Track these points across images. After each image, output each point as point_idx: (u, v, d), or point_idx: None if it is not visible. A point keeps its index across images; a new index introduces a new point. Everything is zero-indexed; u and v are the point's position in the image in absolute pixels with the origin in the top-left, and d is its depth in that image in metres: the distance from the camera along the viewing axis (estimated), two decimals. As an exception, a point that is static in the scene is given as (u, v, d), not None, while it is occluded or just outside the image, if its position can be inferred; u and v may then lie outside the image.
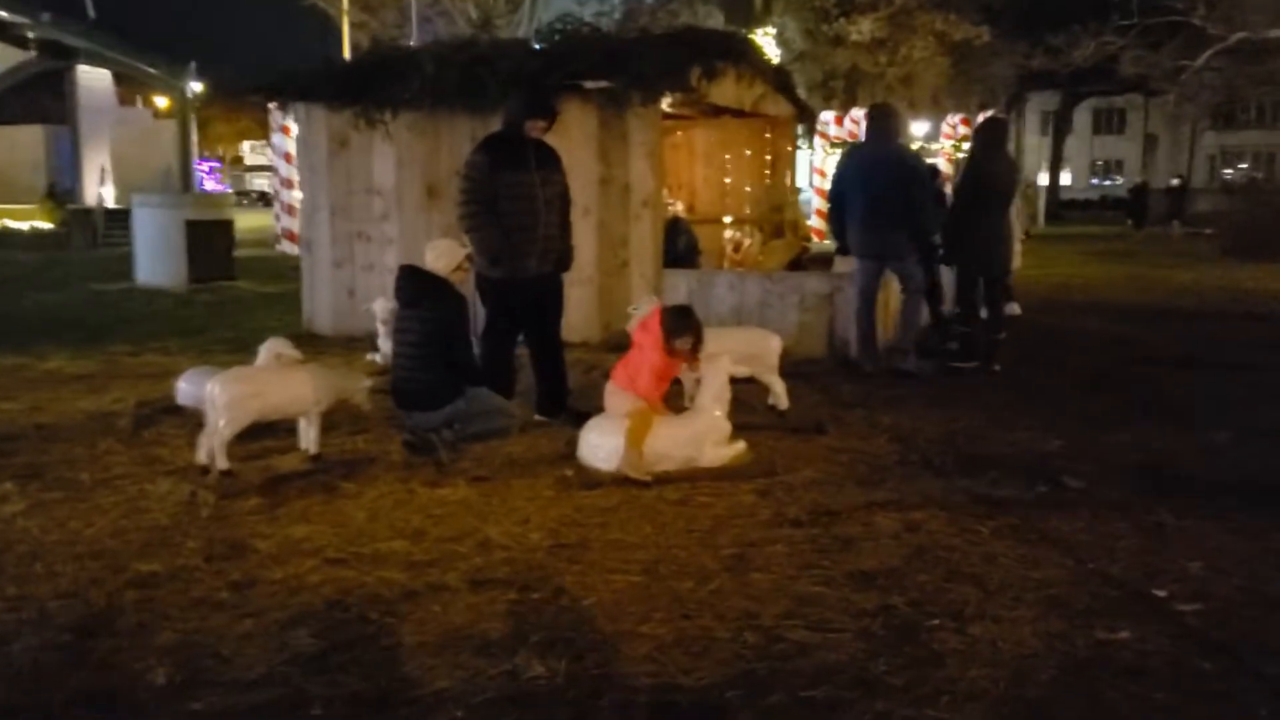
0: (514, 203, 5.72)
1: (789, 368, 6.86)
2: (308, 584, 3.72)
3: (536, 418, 6.07)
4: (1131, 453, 5.54)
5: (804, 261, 8.83)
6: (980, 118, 10.52)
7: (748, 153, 11.98)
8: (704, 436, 5.03)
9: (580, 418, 5.48)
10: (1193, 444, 5.70)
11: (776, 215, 9.26)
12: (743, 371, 5.46)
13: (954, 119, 26.91)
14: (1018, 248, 10.73)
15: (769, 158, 11.91)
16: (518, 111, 5.83)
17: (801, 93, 31.42)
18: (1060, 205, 42.13)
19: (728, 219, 10.71)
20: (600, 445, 5.00)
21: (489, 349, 5.97)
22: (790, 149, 11.86)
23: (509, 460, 5.28)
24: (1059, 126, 45.70)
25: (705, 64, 8.93)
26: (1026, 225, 25.36)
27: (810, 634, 3.24)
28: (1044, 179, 42.89)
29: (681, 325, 5.23)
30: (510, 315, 5.96)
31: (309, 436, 5.24)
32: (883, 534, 4.15)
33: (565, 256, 6.12)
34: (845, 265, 8.41)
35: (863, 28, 29.55)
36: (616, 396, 5.28)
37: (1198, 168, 46.14)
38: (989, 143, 8.17)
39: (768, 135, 11.87)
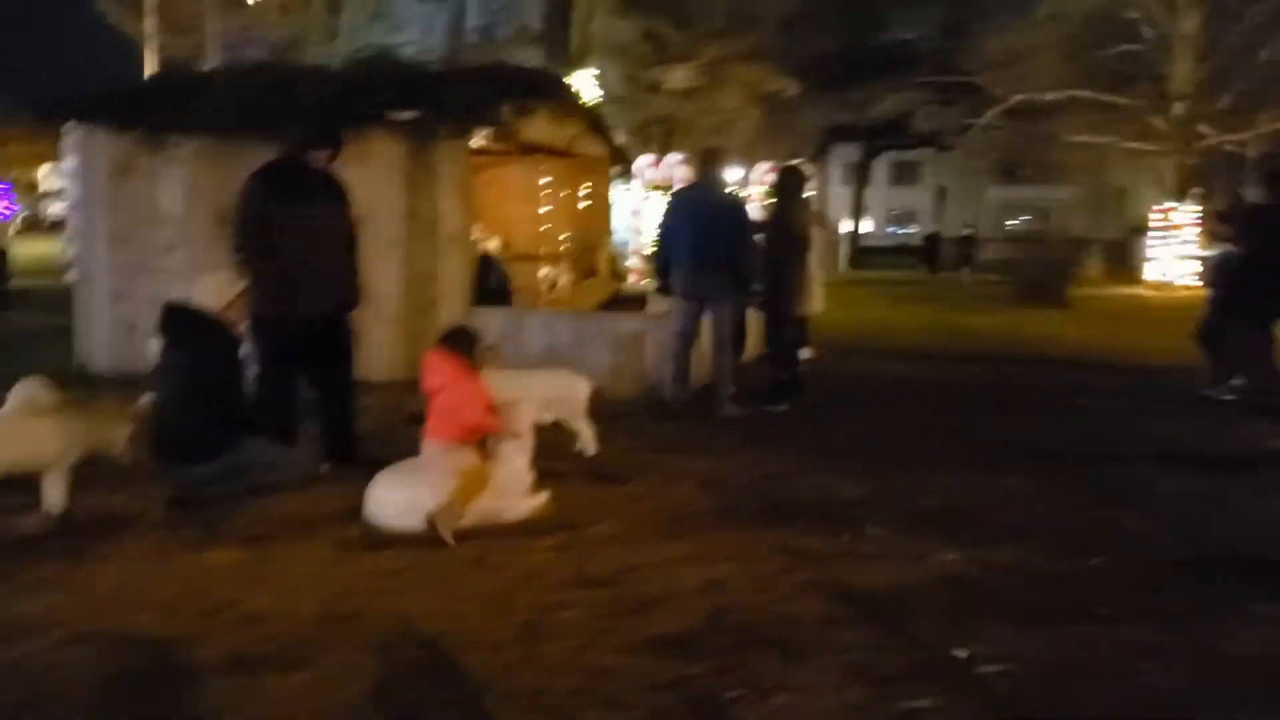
0: (294, 236, 5.30)
1: (601, 409, 6.68)
2: (33, 668, 3.23)
3: (324, 468, 5.64)
4: (933, 497, 5.58)
5: (617, 302, 8.71)
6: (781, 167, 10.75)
7: (563, 192, 11.81)
8: (505, 488, 4.74)
9: (375, 467, 5.09)
10: (992, 488, 5.80)
11: (590, 255, 9.13)
12: (547, 418, 5.21)
13: (764, 167, 27.66)
14: (818, 292, 10.94)
15: (584, 197, 11.79)
16: (301, 139, 5.43)
17: (621, 136, 31.82)
18: (862, 252, 44.01)
19: (544, 260, 10.52)
20: (390, 500, 4.63)
21: (267, 393, 5.49)
22: (605, 190, 11.78)
23: (287, 518, 4.84)
24: (860, 177, 47.91)
25: (517, 100, 8.72)
26: (828, 270, 26.44)
27: (601, 714, 2.99)
28: (847, 226, 44.79)
29: (469, 339, 5.04)
30: (289, 357, 5.51)
31: (52, 494, 4.65)
32: (684, 592, 3.96)
33: (352, 295, 5.72)
34: (659, 305, 8.33)
35: (677, 76, 30.20)
36: (445, 454, 4.80)
37: (984, 219, 49.11)
38: (791, 190, 8.28)
39: (583, 175, 11.75)
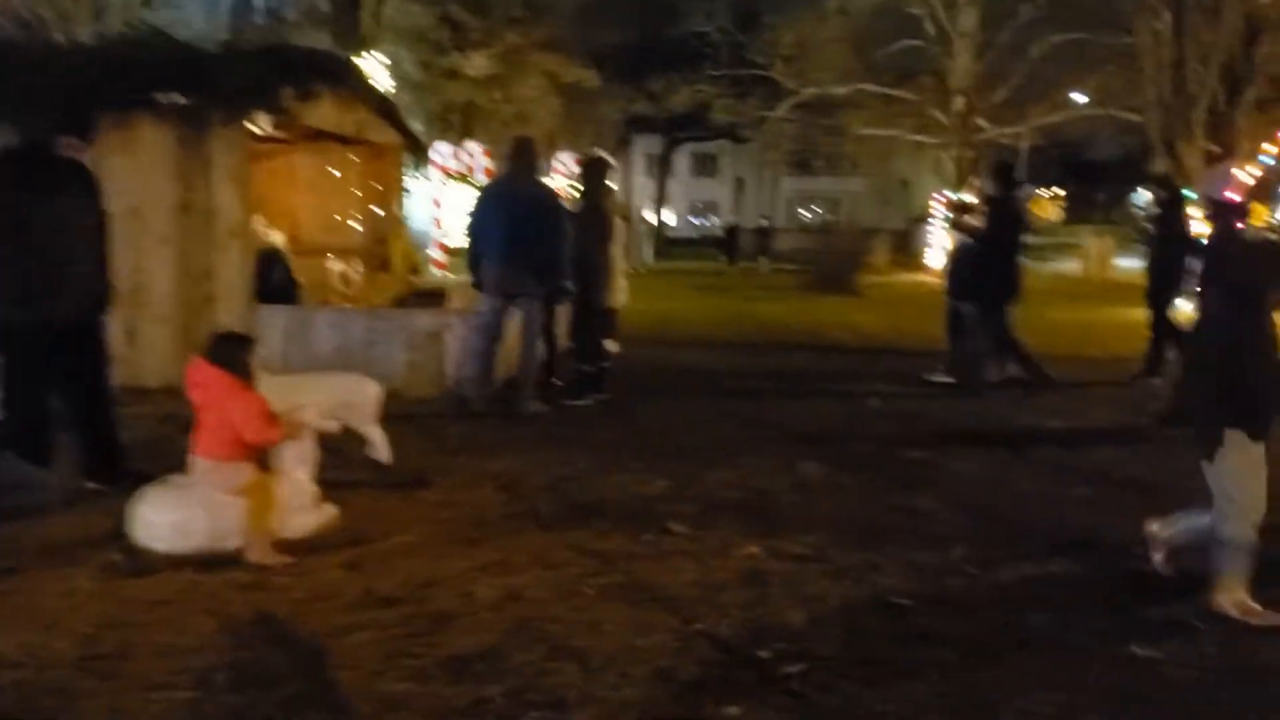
0: (40, 234, 4.77)
1: (397, 410, 6.37)
2: None
3: (88, 486, 5.13)
4: (733, 489, 5.59)
5: (412, 297, 8.38)
6: (583, 157, 10.67)
7: (354, 181, 11.29)
8: (286, 503, 4.40)
9: (144, 479, 4.63)
10: (788, 475, 5.86)
11: (382, 248, 8.74)
12: (332, 426, 4.87)
13: (565, 157, 27.59)
14: (623, 283, 10.91)
15: (376, 187, 11.31)
16: (47, 125, 4.90)
17: (419, 124, 30.99)
18: (665, 243, 44.66)
19: (336, 254, 10.01)
20: (157, 522, 4.23)
21: (15, 408, 4.93)
22: (398, 178, 11.33)
23: (41, 545, 4.35)
24: (662, 168, 48.60)
25: (298, 84, 8.23)
26: (634, 262, 26.63)
27: (392, 749, 2.78)
28: (651, 218, 45.35)
29: (237, 346, 4.56)
30: (38, 366, 4.96)
31: None
32: (482, 606, 3.77)
33: (104, 296, 5.21)
34: (463, 300, 8.07)
35: (476, 63, 29.69)
36: (218, 472, 4.34)
37: (780, 210, 50.77)
38: (596, 180, 8.18)
39: (375, 164, 11.26)
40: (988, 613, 3.88)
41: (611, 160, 8.71)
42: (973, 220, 9.62)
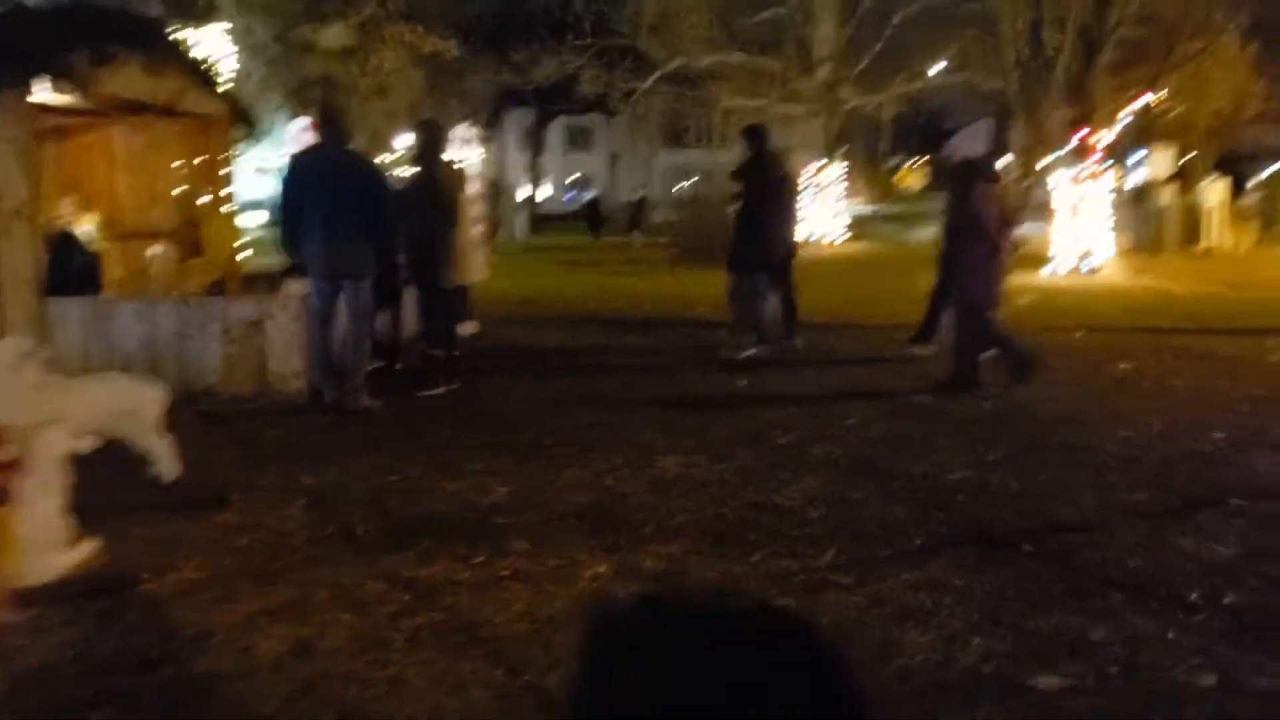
0: None
1: (210, 411, 5.66)
2: None
3: None
4: (584, 492, 5.03)
5: (231, 282, 7.54)
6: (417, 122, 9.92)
7: (176, 157, 10.29)
8: (29, 542, 3.64)
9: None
10: (645, 476, 5.32)
11: (195, 229, 7.86)
12: (85, 445, 4.07)
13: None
14: (478, 259, 10.23)
15: (202, 163, 10.33)
16: None
17: (277, 99, 29.38)
18: (540, 218, 43.82)
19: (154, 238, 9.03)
20: None
21: None
22: (226, 153, 10.37)
23: None
24: (534, 143, 47.63)
25: (95, 47, 7.28)
26: (494, 236, 25.77)
27: None
28: (524, 192, 44.45)
29: None
30: None
31: None
32: (262, 665, 3.11)
33: None
34: (295, 287, 7.29)
35: (331, 35, 28.32)
36: None
37: (655, 183, 50.34)
38: (430, 148, 7.47)
39: (197, 138, 10.27)
40: (866, 634, 3.40)
41: (478, 134, 8.02)
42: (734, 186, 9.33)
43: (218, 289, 7.47)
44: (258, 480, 5.11)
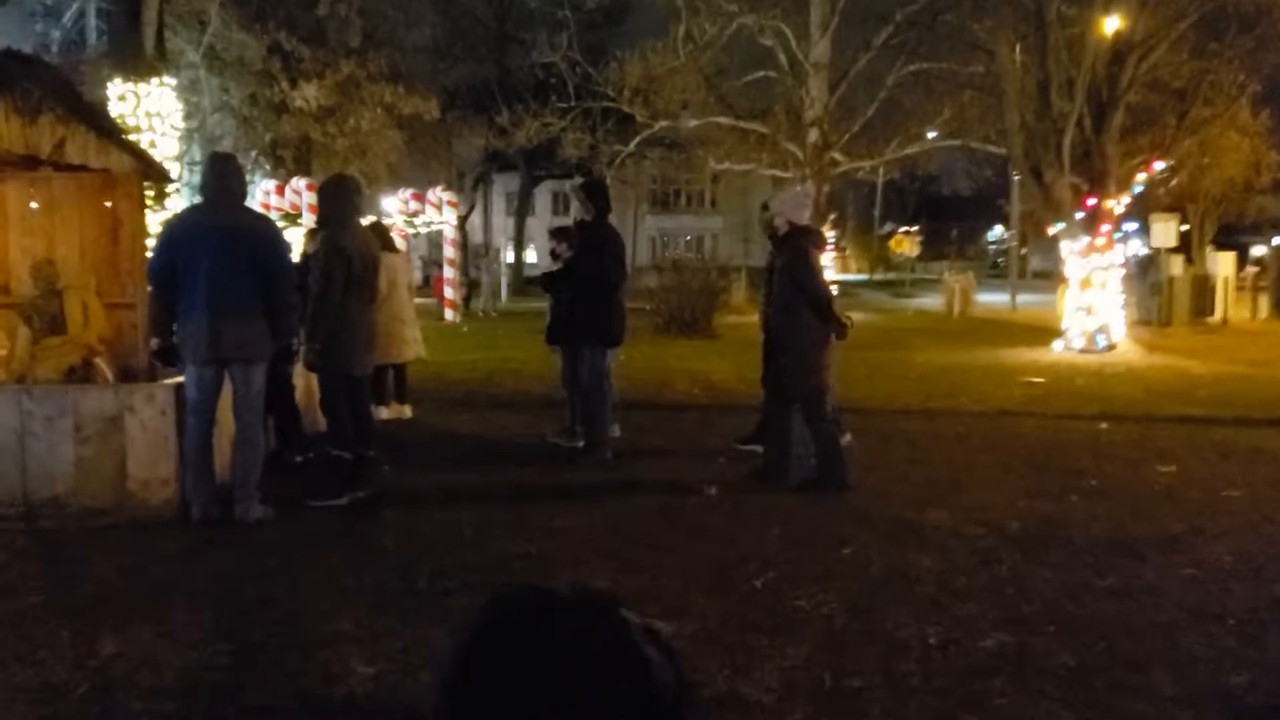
0: None
1: (54, 525, 4.37)
2: None
3: None
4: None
5: (95, 368, 6.26)
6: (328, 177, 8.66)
7: (76, 218, 9.04)
8: None
9: None
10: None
11: (54, 300, 6.59)
12: None
13: (405, 193, 25.57)
14: (416, 335, 8.96)
15: (107, 224, 9.08)
16: None
17: (247, 158, 28.36)
18: (525, 282, 42.80)
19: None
20: None
21: None
22: (136, 214, 9.12)
23: None
24: (521, 206, 46.78)
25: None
26: (469, 302, 24.52)
27: None
28: (509, 257, 43.59)
29: None
30: None
31: None
32: None
33: None
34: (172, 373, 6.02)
35: (307, 94, 27.44)
36: None
37: (641, 248, 49.42)
38: (339, 207, 6.22)
39: (103, 195, 9.04)
40: None
41: (350, 178, 6.79)
42: (562, 250, 7.98)
43: (79, 376, 6.18)
44: (34, 649, 3.76)
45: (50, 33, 26.34)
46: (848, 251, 55.18)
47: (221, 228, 5.66)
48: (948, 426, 9.05)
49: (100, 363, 7.18)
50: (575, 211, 7.55)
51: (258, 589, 4.58)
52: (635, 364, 12.47)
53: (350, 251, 6.07)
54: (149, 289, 5.74)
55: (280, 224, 15.94)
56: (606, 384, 7.34)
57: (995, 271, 51.04)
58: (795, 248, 6.55)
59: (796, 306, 6.45)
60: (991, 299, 28.02)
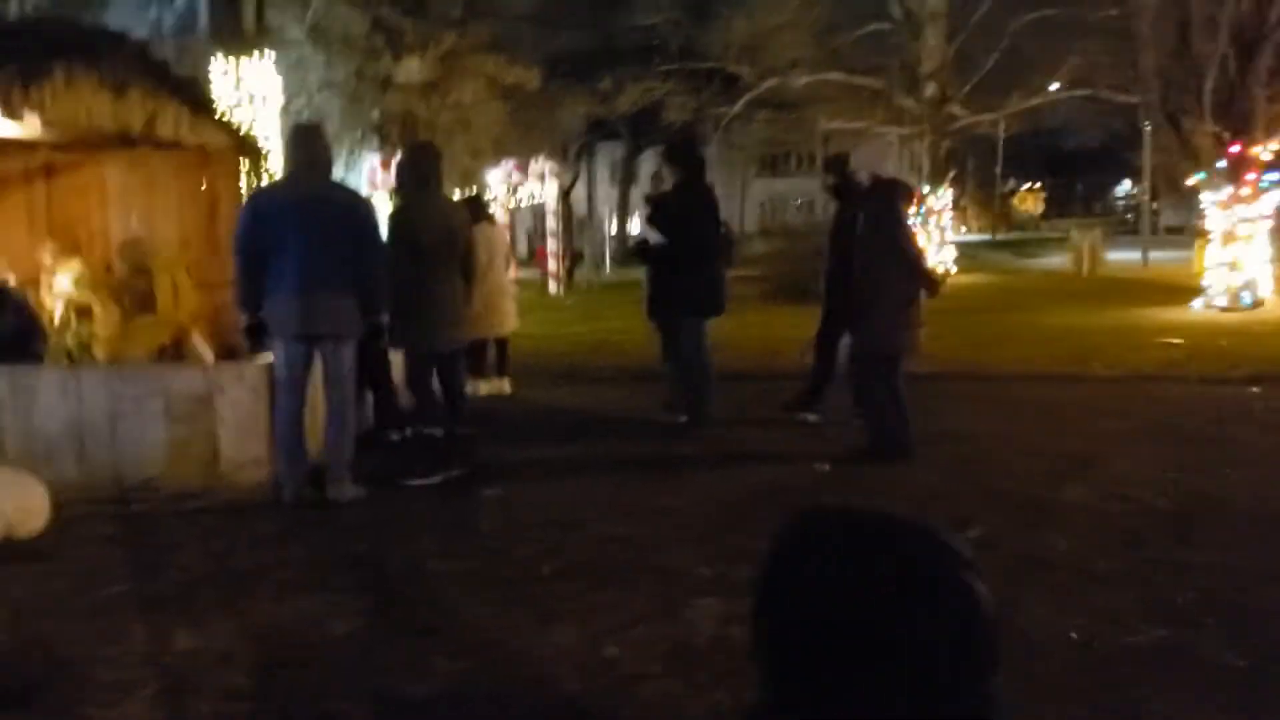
0: None
1: (148, 509, 4.28)
2: None
3: None
4: (564, 673, 3.40)
5: (187, 346, 6.15)
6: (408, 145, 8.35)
7: (174, 196, 9.07)
8: None
9: None
10: (666, 638, 3.65)
11: (144, 279, 6.49)
12: None
13: (508, 165, 25.51)
14: (509, 308, 8.70)
15: (204, 201, 9.08)
16: None
17: (353, 135, 28.71)
18: (628, 252, 42.57)
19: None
20: None
21: None
22: (233, 190, 9.09)
23: None
24: (625, 175, 46.42)
25: (22, 64, 5.98)
26: (573, 273, 24.23)
27: None
28: (612, 227, 43.33)
29: None
30: None
31: None
32: None
33: None
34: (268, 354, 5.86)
35: (411, 69, 27.56)
36: None
37: (749, 213, 48.62)
38: (421, 177, 5.95)
39: (200, 173, 9.04)
40: None
41: (431, 146, 6.52)
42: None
43: (170, 355, 6.08)
44: (111, 646, 3.59)
45: (163, 16, 26.95)
46: (968, 210, 53.38)
47: (309, 200, 5.44)
48: (1081, 393, 8.42)
49: (197, 341, 7.13)
50: (664, 177, 7.15)
51: (344, 576, 4.37)
52: (742, 333, 12.03)
53: (416, 223, 5.80)
54: (236, 265, 5.50)
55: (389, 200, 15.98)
56: (707, 356, 6.96)
57: (1124, 228, 48.73)
58: (881, 201, 6.16)
59: (883, 263, 6.02)
60: (1122, 257, 26.58)
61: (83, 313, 7.61)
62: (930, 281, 6.20)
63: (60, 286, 7.93)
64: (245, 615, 3.92)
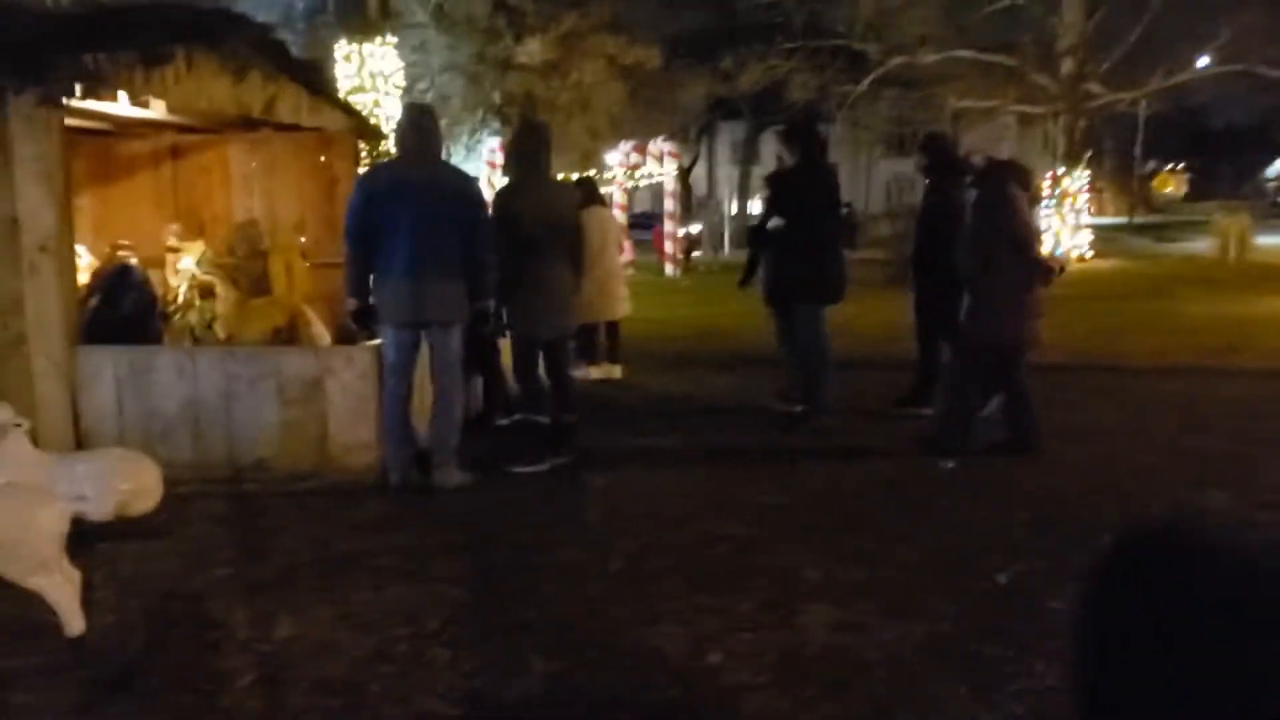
0: None
1: (258, 489, 4.33)
2: None
3: None
4: (661, 680, 3.23)
5: (300, 328, 6.17)
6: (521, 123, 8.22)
7: (295, 178, 9.19)
8: None
9: None
10: (772, 645, 3.45)
11: (260, 261, 6.54)
12: None
13: (627, 146, 25.40)
14: (622, 292, 8.55)
15: (323, 181, 9.18)
16: None
17: (474, 116, 29.03)
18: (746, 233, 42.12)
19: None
20: None
21: None
22: (351, 172, 9.16)
23: None
24: (746, 155, 45.88)
25: (145, 47, 6.07)
26: (691, 255, 23.96)
27: None
28: (732, 207, 42.88)
29: None
30: None
31: None
32: None
33: None
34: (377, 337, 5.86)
35: (531, 50, 27.70)
36: None
37: (875, 194, 47.53)
38: (529, 158, 5.83)
39: (320, 154, 9.13)
40: None
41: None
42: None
43: (284, 337, 6.11)
44: (212, 631, 3.58)
45: (297, 2, 27.67)
46: (1104, 193, 51.15)
47: (420, 183, 5.37)
48: (1227, 388, 7.85)
49: (313, 322, 7.19)
50: (782, 158, 6.85)
51: (445, 566, 4.29)
52: (864, 318, 11.66)
53: (519, 208, 5.67)
54: (345, 248, 5.48)
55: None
56: (825, 343, 6.69)
57: (1276, 211, 45.97)
58: (994, 184, 5.82)
59: (996, 249, 5.69)
60: (1272, 241, 25.02)
61: (206, 293, 7.79)
62: (1044, 269, 5.84)
63: (184, 266, 8.12)
64: (344, 604, 3.87)
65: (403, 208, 5.30)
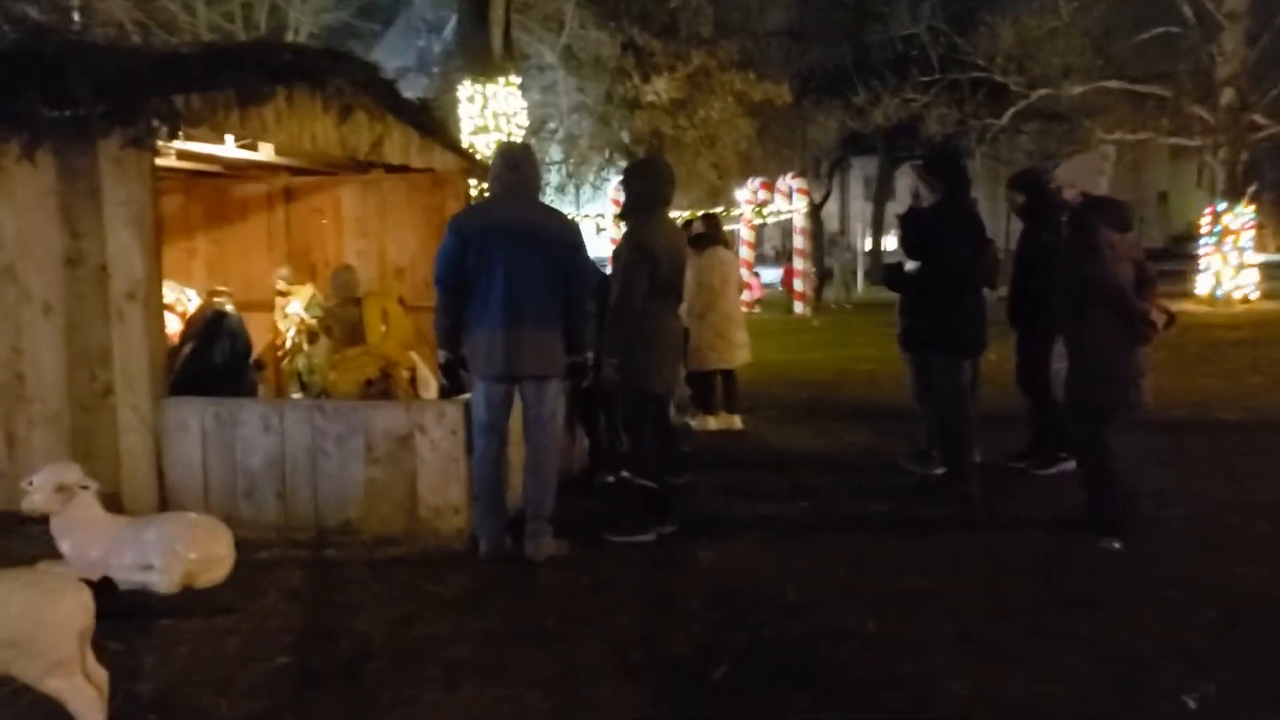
0: None
1: (341, 555, 3.99)
2: None
3: None
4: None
5: (395, 380, 5.78)
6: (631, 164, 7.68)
7: (407, 219, 8.97)
8: None
9: None
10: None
11: (353, 310, 6.17)
12: None
13: (755, 183, 24.88)
14: (741, 338, 7.96)
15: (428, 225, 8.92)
16: None
17: (602, 155, 29.01)
18: (880, 271, 40.88)
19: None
20: None
21: None
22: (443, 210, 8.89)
23: None
24: (879, 190, 44.73)
25: (242, 86, 5.83)
26: (820, 294, 23.08)
27: None
28: (866, 244, 41.78)
29: None
30: None
31: None
32: None
33: None
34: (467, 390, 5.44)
35: (658, 88, 27.49)
36: None
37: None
38: (642, 199, 5.31)
39: (431, 195, 8.88)
40: None
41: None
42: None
43: (377, 389, 5.74)
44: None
45: (432, 46, 28.17)
46: (1265, 229, 48.14)
47: (516, 226, 4.92)
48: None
49: (417, 369, 6.83)
50: (922, 194, 6.17)
51: (524, 658, 3.76)
52: (1005, 365, 10.79)
53: (657, 251, 5.15)
54: (436, 295, 5.07)
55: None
56: (964, 400, 5.96)
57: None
58: (1082, 224, 5.03)
59: (1084, 301, 4.93)
60: None
61: (314, 337, 7.54)
62: (1141, 323, 4.97)
63: (292, 310, 7.91)
64: (409, 706, 3.38)
65: (498, 251, 4.87)
